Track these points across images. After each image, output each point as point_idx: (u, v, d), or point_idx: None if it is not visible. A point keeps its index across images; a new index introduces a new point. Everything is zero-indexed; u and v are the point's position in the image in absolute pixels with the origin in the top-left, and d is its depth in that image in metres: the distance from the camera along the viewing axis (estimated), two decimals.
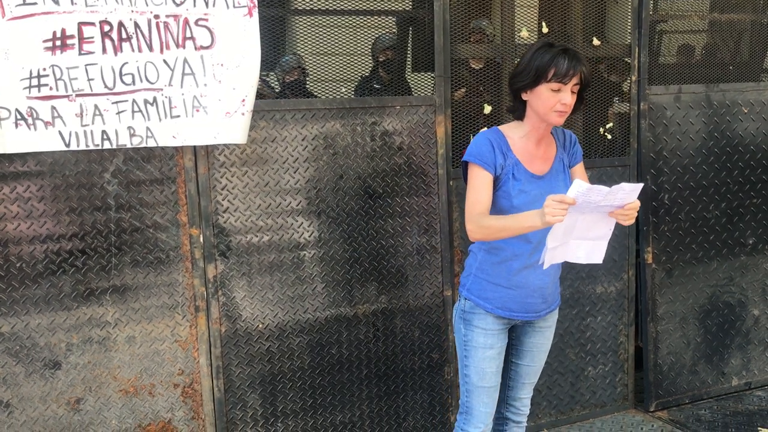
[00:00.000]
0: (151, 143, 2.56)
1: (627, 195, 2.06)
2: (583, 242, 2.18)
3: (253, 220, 2.95)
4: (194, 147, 2.81)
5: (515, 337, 2.53)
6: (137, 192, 2.77)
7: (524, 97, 2.31)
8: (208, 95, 2.59)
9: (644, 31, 3.54)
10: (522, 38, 3.44)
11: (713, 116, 3.76)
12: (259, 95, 2.95)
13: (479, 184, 2.30)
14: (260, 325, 3.00)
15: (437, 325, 3.28)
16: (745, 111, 3.83)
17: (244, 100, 2.63)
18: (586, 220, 2.13)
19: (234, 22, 2.59)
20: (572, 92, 2.25)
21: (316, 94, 3.35)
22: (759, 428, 3.58)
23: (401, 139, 3.15)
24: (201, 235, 2.87)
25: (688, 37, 4.09)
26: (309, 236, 3.03)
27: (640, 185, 2.10)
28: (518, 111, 2.37)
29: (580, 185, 1.99)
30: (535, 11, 3.57)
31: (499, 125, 2.43)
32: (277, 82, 3.71)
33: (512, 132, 2.37)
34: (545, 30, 3.46)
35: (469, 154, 2.33)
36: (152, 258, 2.81)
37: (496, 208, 2.34)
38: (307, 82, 3.62)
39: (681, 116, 3.69)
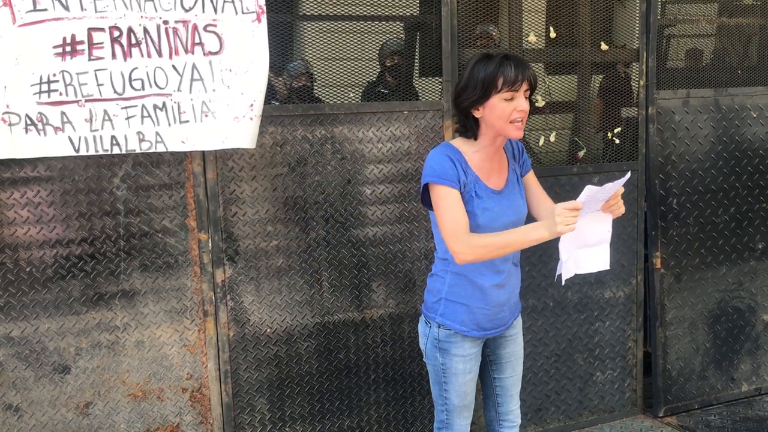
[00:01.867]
0: (160, 148, 2.57)
1: (614, 187, 2.08)
2: (588, 250, 2.17)
3: (262, 225, 2.95)
4: (203, 152, 2.83)
5: (490, 352, 2.48)
6: (146, 197, 2.78)
7: (476, 114, 2.21)
8: (216, 100, 2.60)
9: (652, 35, 3.54)
10: (529, 43, 3.44)
11: (722, 120, 3.75)
12: (272, 95, 2.96)
13: (451, 202, 2.18)
14: (268, 330, 3.01)
15: None
16: (754, 115, 3.81)
17: (252, 105, 2.64)
18: (585, 226, 2.12)
19: (242, 28, 2.60)
20: (525, 97, 2.18)
21: (323, 99, 3.36)
22: None
23: (409, 143, 3.15)
24: (209, 240, 2.88)
25: (696, 42, 4.08)
26: (317, 240, 3.04)
27: (627, 175, 2.12)
28: (471, 130, 2.25)
29: (590, 189, 2.00)
30: (543, 16, 3.57)
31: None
32: (284, 89, 3.72)
33: (465, 147, 2.27)
34: (553, 35, 3.46)
35: (432, 174, 2.21)
36: (161, 263, 2.82)
37: None
38: (315, 88, 3.63)
39: (689, 120, 3.68)
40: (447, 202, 2.20)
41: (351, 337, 3.14)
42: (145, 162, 2.77)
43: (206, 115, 2.59)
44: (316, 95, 3.53)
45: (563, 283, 2.22)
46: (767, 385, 4.00)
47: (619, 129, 3.60)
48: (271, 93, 3.07)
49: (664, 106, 3.62)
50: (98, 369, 2.78)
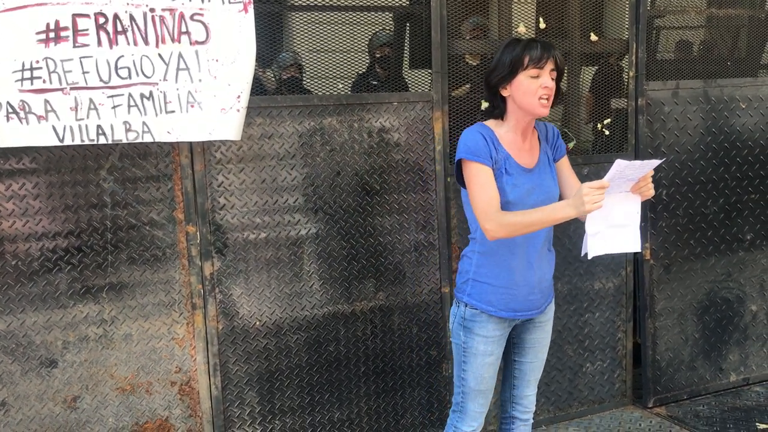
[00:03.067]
0: (147, 138, 2.54)
1: (644, 167, 2.12)
2: (617, 230, 2.22)
3: (250, 217, 2.94)
4: (190, 144, 2.80)
5: (516, 335, 2.52)
6: (133, 189, 2.76)
7: (504, 93, 2.32)
8: (202, 90, 2.57)
9: (642, 26, 3.53)
10: (519, 34, 3.43)
11: (711, 112, 3.75)
12: (260, 91, 2.94)
13: (485, 180, 2.27)
14: (257, 323, 2.99)
15: (435, 321, 3.27)
16: (743, 106, 3.82)
17: (239, 97, 2.61)
18: (613, 204, 2.17)
19: (229, 18, 2.57)
20: (550, 77, 2.26)
21: (312, 91, 3.33)
22: (757, 423, 3.58)
23: (398, 135, 3.14)
24: (197, 233, 2.86)
25: (685, 33, 4.08)
26: (306, 233, 3.03)
27: (660, 160, 2.22)
28: (498, 109, 2.35)
29: (619, 164, 2.04)
30: (533, 7, 3.56)
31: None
32: (273, 81, 3.69)
33: (497, 127, 2.36)
34: (542, 26, 3.45)
35: (466, 151, 2.30)
36: (148, 255, 2.80)
37: None
38: (304, 79, 3.61)
39: (679, 112, 3.68)
40: (480, 180, 2.27)
41: (340, 330, 3.13)
42: (132, 154, 2.74)
43: (192, 106, 2.57)
44: (306, 87, 3.51)
45: (590, 257, 2.26)
46: (755, 375, 4.03)
47: (608, 120, 3.60)
48: (258, 86, 3.04)
49: (654, 97, 3.62)
50: (86, 363, 2.76)
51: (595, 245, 2.22)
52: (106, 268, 2.75)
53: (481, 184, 2.27)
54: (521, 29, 3.43)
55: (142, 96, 2.51)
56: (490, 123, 2.39)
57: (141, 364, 2.84)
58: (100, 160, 2.71)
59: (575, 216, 2.15)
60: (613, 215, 2.19)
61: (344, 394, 3.18)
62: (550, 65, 2.25)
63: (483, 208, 2.25)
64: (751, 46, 3.99)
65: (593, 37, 3.52)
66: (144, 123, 2.52)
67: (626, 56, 3.61)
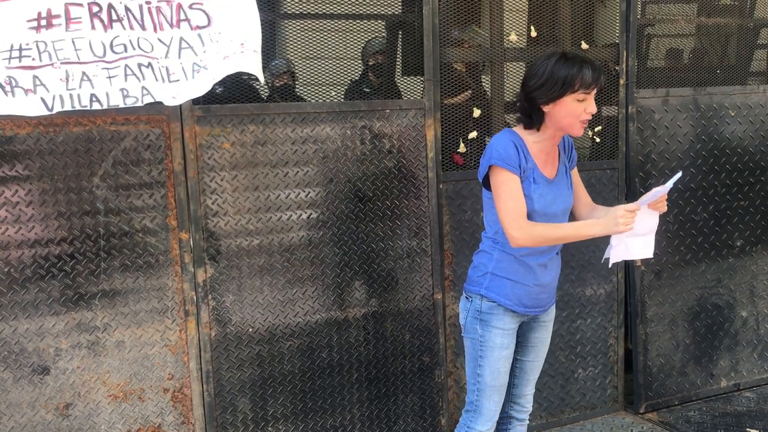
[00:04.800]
0: (147, 100, 2.37)
1: (666, 187, 2.31)
2: (637, 239, 2.37)
3: (243, 224, 2.94)
4: (183, 151, 2.81)
5: (521, 333, 2.57)
6: (126, 196, 2.76)
7: (545, 109, 2.32)
8: (208, 54, 2.45)
9: (632, 34, 3.57)
10: (510, 42, 3.45)
11: (701, 119, 3.79)
12: (253, 98, 2.96)
13: (513, 188, 2.31)
14: (250, 329, 3.00)
15: (428, 328, 3.28)
16: (732, 114, 3.86)
17: (243, 44, 2.47)
18: (637, 218, 2.32)
19: (230, 2, 2.49)
20: (593, 100, 2.31)
21: (306, 98, 3.35)
22: (747, 429, 3.60)
23: (391, 142, 3.16)
24: (190, 239, 2.86)
25: (675, 41, 4.12)
26: (299, 240, 3.03)
27: (677, 175, 2.38)
28: (536, 122, 2.35)
29: (655, 192, 2.28)
30: (524, 15, 3.59)
31: (512, 127, 2.46)
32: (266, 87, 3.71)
33: (527, 136, 2.39)
34: (534, 34, 3.48)
35: (496, 157, 2.32)
36: (141, 262, 2.81)
37: None
38: (297, 87, 3.62)
39: (669, 119, 3.71)
40: (509, 188, 2.31)
41: (333, 336, 3.14)
42: (125, 161, 2.75)
43: (198, 72, 2.44)
44: (299, 94, 3.53)
45: (609, 266, 2.45)
46: (745, 381, 4.05)
47: (599, 128, 3.63)
48: (251, 93, 3.05)
49: (644, 104, 3.65)
50: (78, 370, 2.75)
51: (618, 253, 2.39)
52: (99, 275, 2.75)
53: (509, 192, 2.31)
54: (513, 37, 3.45)
55: (140, 66, 2.37)
56: (519, 130, 2.40)
57: (134, 371, 2.83)
58: (93, 167, 2.71)
59: (602, 234, 2.28)
60: (636, 227, 2.33)
61: (337, 401, 3.18)
62: (596, 89, 2.29)
63: (512, 216, 2.31)
64: (741, 55, 4.03)
65: (584, 45, 3.55)
66: (144, 87, 2.37)
67: (617, 64, 3.64)
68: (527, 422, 2.67)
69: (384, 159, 3.15)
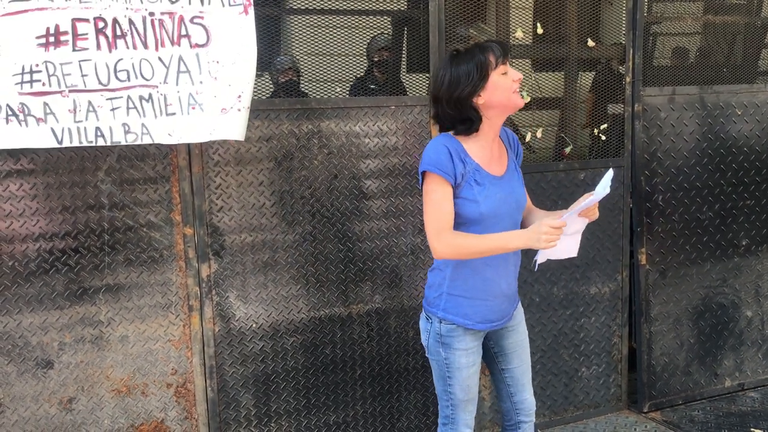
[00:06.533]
0: (146, 140, 2.54)
1: (595, 197, 2.18)
2: (563, 238, 2.23)
3: (247, 220, 2.94)
4: (188, 146, 2.81)
5: (494, 344, 2.49)
6: (131, 191, 2.76)
7: (478, 101, 2.22)
8: (203, 92, 2.58)
9: (639, 32, 3.55)
10: (517, 39, 3.44)
11: (707, 118, 3.77)
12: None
13: (440, 197, 2.21)
14: (254, 325, 3.00)
15: None
16: (739, 113, 3.84)
17: (240, 97, 2.62)
18: (570, 218, 2.23)
19: (229, 20, 2.58)
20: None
21: (311, 94, 3.34)
22: (752, 429, 3.59)
23: (396, 139, 3.15)
24: (195, 235, 2.86)
25: (682, 39, 4.10)
26: (303, 236, 3.03)
27: (608, 175, 2.17)
28: (475, 124, 2.25)
29: (588, 201, 2.15)
30: (530, 12, 3.58)
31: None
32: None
33: (465, 138, 2.28)
34: (540, 31, 3.47)
35: (428, 163, 2.22)
36: (146, 257, 2.80)
37: (461, 217, 2.25)
38: (302, 83, 3.62)
39: (675, 118, 3.70)
40: (436, 197, 2.22)
41: (337, 333, 3.13)
42: (129, 156, 2.75)
43: (193, 108, 2.57)
44: (304, 90, 3.52)
45: (536, 268, 2.36)
46: (750, 381, 4.04)
47: (605, 125, 3.61)
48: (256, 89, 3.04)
49: (650, 103, 3.64)
50: (82, 364, 2.76)
51: (544, 254, 2.28)
52: (103, 269, 2.75)
53: (435, 201, 2.21)
54: (519, 34, 3.44)
55: (141, 98, 2.51)
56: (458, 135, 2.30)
57: (137, 366, 2.83)
58: (98, 161, 2.71)
59: (526, 248, 2.17)
60: (564, 229, 2.22)
61: (340, 397, 3.18)
62: (508, 58, 2.25)
63: (434, 225, 2.21)
64: (748, 53, 4.01)
65: (590, 43, 3.54)
66: (143, 125, 2.52)
67: (624, 62, 3.63)
68: (533, 419, 2.64)
69: (389, 155, 3.14)
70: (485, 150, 2.30)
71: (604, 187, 2.12)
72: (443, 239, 2.20)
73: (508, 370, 2.52)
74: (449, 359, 2.37)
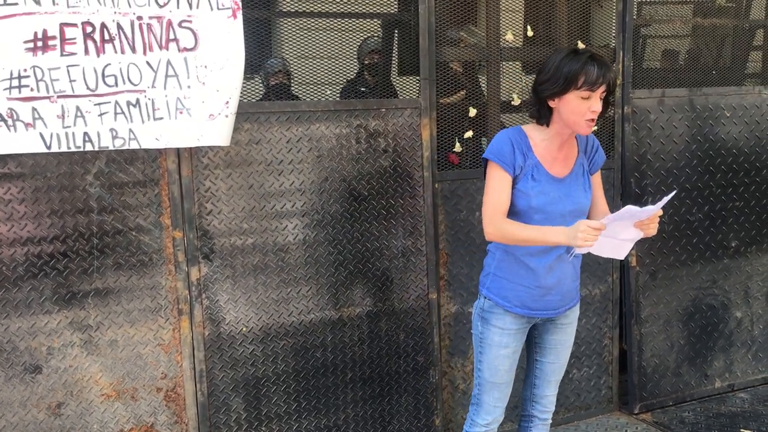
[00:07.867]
0: (133, 145, 2.54)
1: (650, 211, 2.17)
2: (612, 240, 2.26)
3: (237, 223, 2.93)
4: (177, 149, 2.80)
5: (537, 335, 2.57)
6: (120, 194, 2.75)
7: (552, 104, 2.31)
8: (191, 97, 2.57)
9: (628, 35, 3.57)
10: (507, 41, 3.45)
11: (696, 120, 3.79)
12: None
13: (498, 186, 2.34)
14: (244, 329, 2.98)
15: (422, 328, 3.28)
16: (728, 115, 3.86)
17: (227, 102, 2.61)
18: (618, 225, 2.22)
19: (218, 24, 2.57)
20: (600, 99, 2.26)
21: (301, 97, 3.34)
22: (741, 430, 3.60)
23: (387, 141, 3.15)
24: (184, 238, 2.85)
25: (671, 42, 4.12)
26: (294, 239, 3.02)
27: (665, 200, 2.16)
28: (544, 117, 2.35)
29: (628, 211, 2.11)
30: (521, 15, 3.58)
31: (522, 125, 2.44)
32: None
33: (535, 133, 2.38)
34: (530, 34, 3.47)
35: (490, 151, 2.36)
36: (135, 261, 2.79)
37: (514, 206, 2.37)
38: (293, 86, 3.62)
39: (664, 120, 3.71)
40: (494, 183, 2.35)
41: (328, 336, 3.13)
42: (119, 159, 2.73)
43: (181, 112, 2.56)
44: (294, 93, 3.52)
45: (570, 259, 2.39)
46: (740, 382, 4.06)
47: (595, 128, 3.62)
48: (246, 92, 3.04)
49: (640, 105, 3.65)
50: (70, 369, 2.74)
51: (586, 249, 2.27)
52: (92, 273, 2.74)
53: (493, 188, 2.34)
54: (509, 37, 3.45)
55: (128, 103, 2.50)
56: (529, 127, 2.40)
57: (126, 370, 2.82)
58: (87, 165, 2.69)
59: (567, 245, 2.24)
60: (615, 230, 2.23)
61: (331, 401, 3.17)
62: (602, 87, 2.24)
63: (488, 210, 2.35)
64: (736, 56, 4.03)
65: (580, 45, 3.54)
66: (130, 130, 2.52)
67: (613, 64, 3.64)
68: (549, 421, 2.67)
69: (379, 158, 3.14)
70: (551, 149, 2.38)
71: (658, 205, 2.15)
72: (493, 222, 2.33)
73: (540, 362, 2.60)
74: (484, 334, 2.49)
